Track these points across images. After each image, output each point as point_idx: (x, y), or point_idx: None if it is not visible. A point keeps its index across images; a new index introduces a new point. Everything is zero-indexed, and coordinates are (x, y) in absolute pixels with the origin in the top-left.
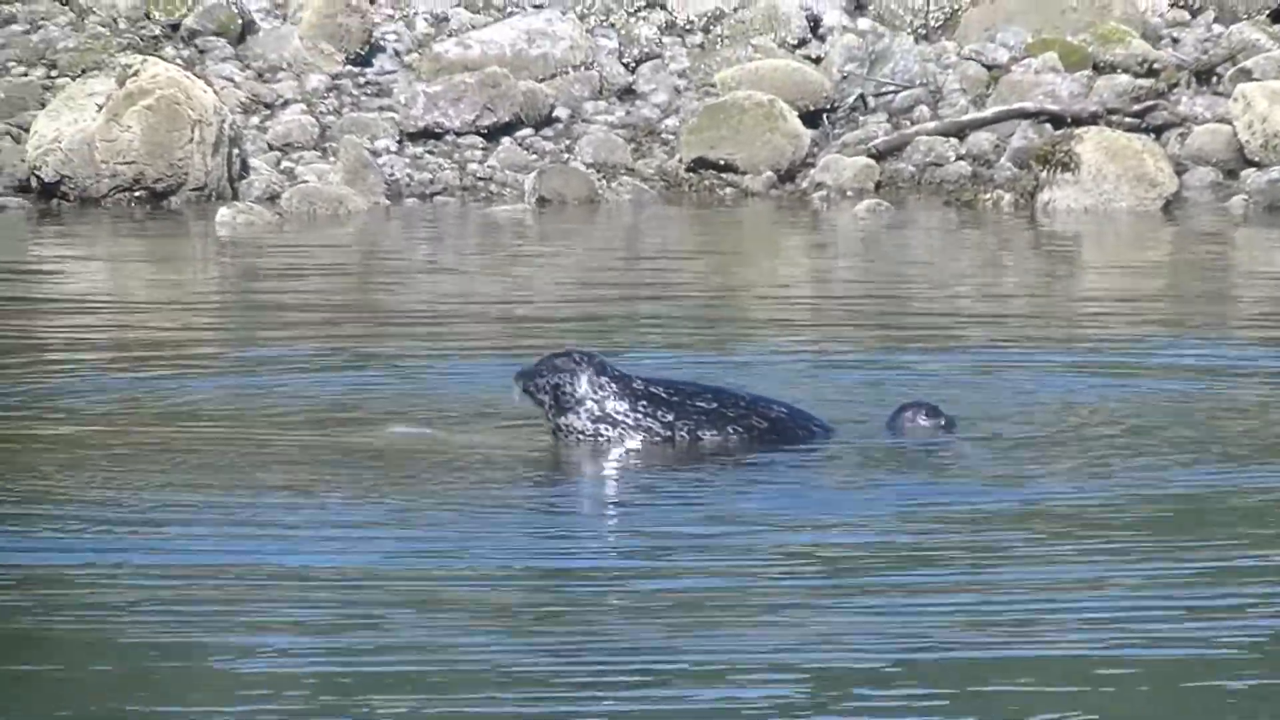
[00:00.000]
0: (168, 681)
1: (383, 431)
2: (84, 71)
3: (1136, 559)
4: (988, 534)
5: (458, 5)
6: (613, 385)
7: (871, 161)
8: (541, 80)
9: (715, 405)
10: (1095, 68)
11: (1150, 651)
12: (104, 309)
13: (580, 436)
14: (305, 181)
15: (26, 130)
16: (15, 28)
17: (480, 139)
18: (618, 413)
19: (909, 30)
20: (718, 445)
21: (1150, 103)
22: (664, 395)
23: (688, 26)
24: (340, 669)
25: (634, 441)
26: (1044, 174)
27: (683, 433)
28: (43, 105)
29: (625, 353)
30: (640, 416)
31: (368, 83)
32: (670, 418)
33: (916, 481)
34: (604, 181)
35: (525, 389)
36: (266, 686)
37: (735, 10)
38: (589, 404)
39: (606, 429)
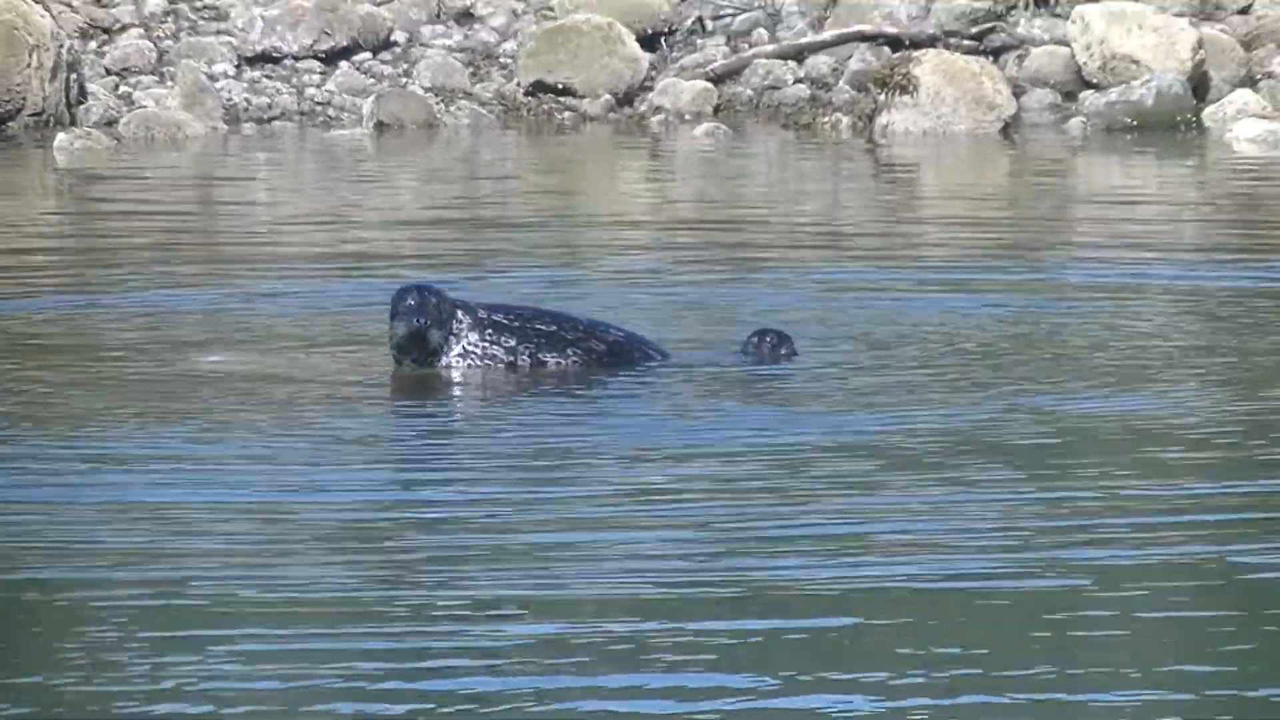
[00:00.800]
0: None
1: (200, 359)
2: None
3: (968, 487)
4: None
5: None
6: (467, 318)
7: (710, 85)
8: (379, 4)
9: (554, 329)
10: None
11: (976, 584)
12: None
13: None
14: (143, 107)
15: None
16: None
17: (318, 63)
18: (471, 344)
19: None
20: (558, 369)
21: (988, 25)
22: (505, 321)
23: None
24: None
25: (481, 368)
26: (882, 97)
27: (524, 357)
28: None
29: (463, 279)
30: (486, 345)
31: (205, 7)
32: (512, 343)
33: (750, 409)
34: (442, 106)
35: (428, 339)
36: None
37: None
38: (452, 342)
39: (469, 360)
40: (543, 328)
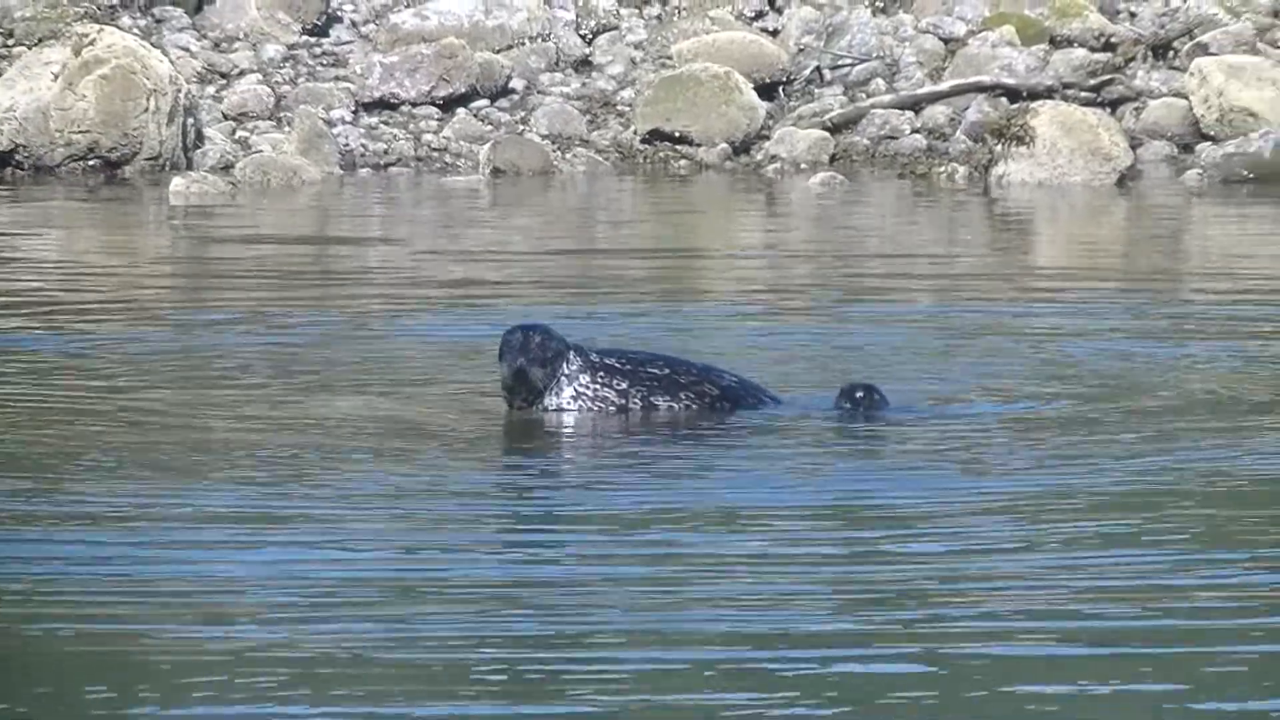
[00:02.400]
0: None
1: (334, 401)
2: (40, 40)
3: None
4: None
5: None
6: (578, 359)
7: (826, 134)
8: (498, 51)
9: (667, 372)
10: (1052, 41)
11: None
12: (53, 272)
13: (553, 412)
14: (260, 151)
15: None
16: None
17: (436, 110)
18: (582, 386)
19: (866, 3)
20: (670, 413)
21: (1106, 77)
22: (617, 365)
23: None
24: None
25: (592, 411)
26: (999, 148)
27: (636, 400)
28: None
29: (577, 320)
30: (598, 388)
31: (324, 53)
32: (624, 385)
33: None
34: (559, 153)
35: (530, 378)
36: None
37: None
38: (563, 383)
39: (581, 403)
40: (655, 371)
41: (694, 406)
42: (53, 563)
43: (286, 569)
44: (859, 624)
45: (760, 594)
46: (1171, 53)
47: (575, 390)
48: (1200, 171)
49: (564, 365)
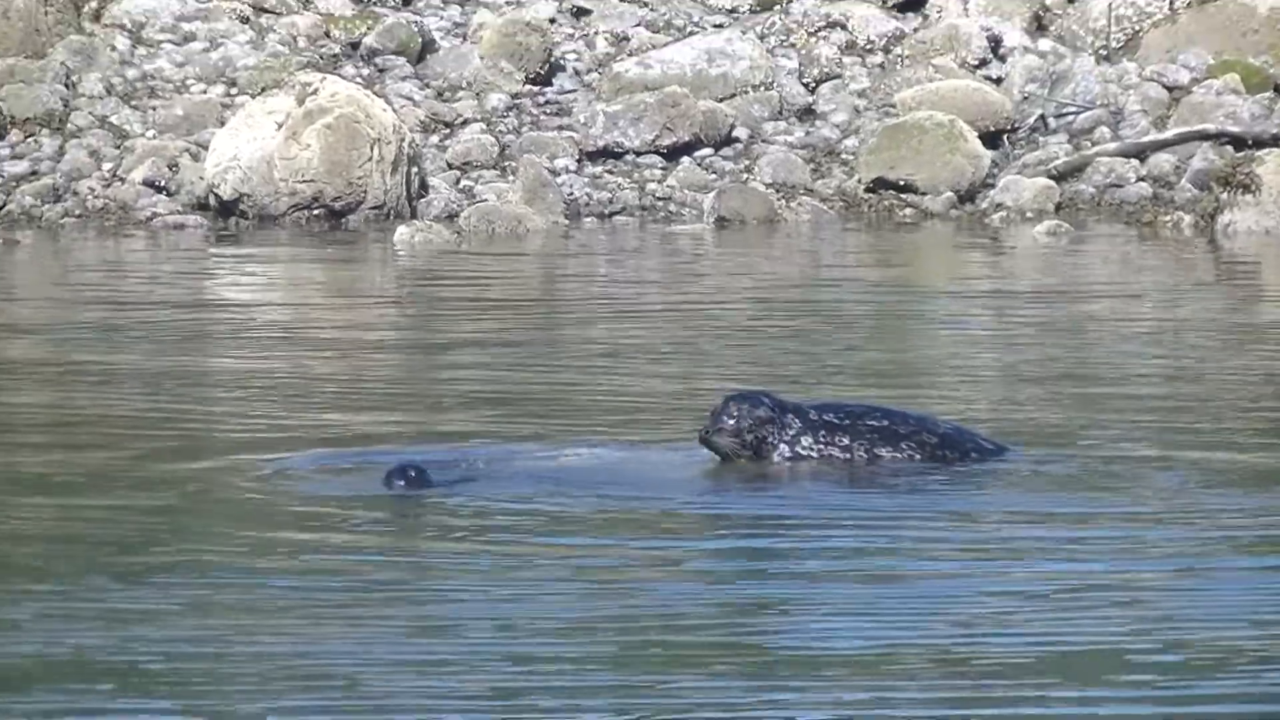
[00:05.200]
0: None
1: (557, 453)
2: (263, 90)
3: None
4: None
5: (638, 25)
6: (797, 422)
7: (1052, 183)
8: (721, 100)
9: (886, 424)
10: (1277, 89)
11: None
12: (280, 343)
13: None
14: (484, 200)
15: (205, 148)
16: (195, 45)
17: (659, 158)
18: (804, 448)
19: (1090, 51)
20: (893, 463)
21: None
22: (836, 420)
23: (868, 47)
24: None
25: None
26: (1224, 196)
27: (860, 453)
28: (222, 123)
29: (798, 382)
30: (822, 447)
31: (547, 102)
32: (846, 441)
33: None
34: (783, 201)
35: (724, 445)
36: None
37: (916, 30)
38: (783, 448)
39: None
40: (874, 423)
41: (916, 456)
42: None
43: None
44: None
45: None
46: None
47: (796, 454)
48: None
49: (782, 432)
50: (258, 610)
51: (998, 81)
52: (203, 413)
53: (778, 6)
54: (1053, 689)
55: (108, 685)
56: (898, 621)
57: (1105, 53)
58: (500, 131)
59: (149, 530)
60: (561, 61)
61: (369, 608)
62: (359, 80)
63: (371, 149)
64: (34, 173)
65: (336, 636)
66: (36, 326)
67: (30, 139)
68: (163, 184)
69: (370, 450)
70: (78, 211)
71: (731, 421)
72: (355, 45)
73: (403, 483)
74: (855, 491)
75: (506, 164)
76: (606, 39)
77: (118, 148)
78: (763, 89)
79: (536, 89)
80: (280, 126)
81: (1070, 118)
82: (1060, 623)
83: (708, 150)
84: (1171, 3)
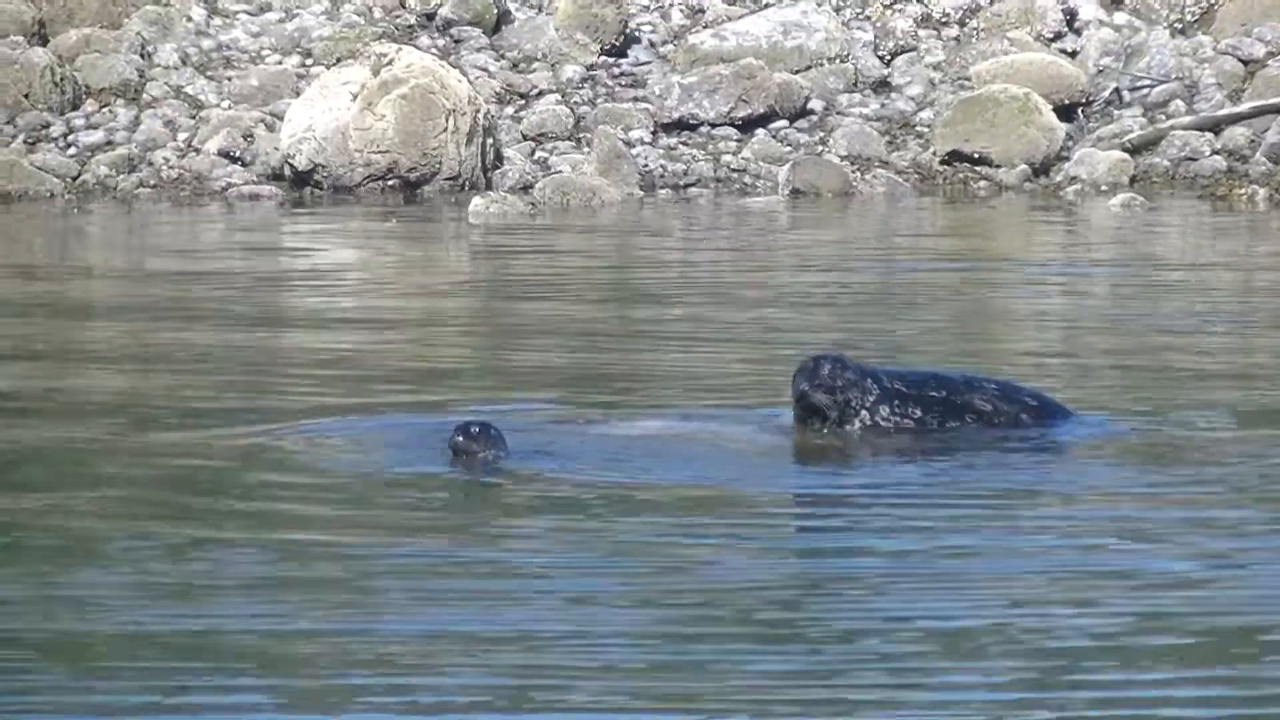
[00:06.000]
0: None
1: (628, 424)
2: (338, 60)
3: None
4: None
5: None
6: (876, 388)
7: (1126, 156)
8: (796, 72)
9: (944, 394)
10: None
11: None
12: (351, 325)
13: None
14: (559, 172)
15: (280, 119)
16: (270, 16)
17: (734, 130)
18: (883, 418)
19: (1165, 24)
20: (970, 429)
21: None
22: (905, 390)
23: (943, 19)
24: None
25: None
26: None
27: (933, 424)
28: (297, 94)
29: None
30: (898, 419)
31: (622, 74)
32: (919, 413)
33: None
34: (858, 174)
35: (813, 403)
36: None
37: (991, 3)
38: (864, 414)
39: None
40: (935, 394)
41: (998, 422)
42: None
43: None
44: None
45: None
46: None
47: (876, 423)
48: None
49: (860, 395)
50: (328, 585)
51: (1073, 54)
52: (273, 384)
53: None
54: (1127, 671)
55: (192, 663)
56: (971, 600)
57: (1180, 25)
58: (575, 103)
59: (223, 504)
60: (637, 33)
61: (442, 579)
62: (434, 51)
63: (446, 120)
64: (109, 143)
65: (405, 613)
66: (114, 298)
67: (105, 109)
68: (237, 154)
69: (447, 420)
70: (152, 182)
71: (828, 378)
72: (430, 16)
73: (463, 439)
74: (930, 464)
75: (581, 135)
76: (682, 10)
77: (193, 118)
78: (838, 61)
79: (611, 60)
80: (355, 97)
81: (1145, 91)
82: (1135, 602)
83: (783, 122)
84: None
